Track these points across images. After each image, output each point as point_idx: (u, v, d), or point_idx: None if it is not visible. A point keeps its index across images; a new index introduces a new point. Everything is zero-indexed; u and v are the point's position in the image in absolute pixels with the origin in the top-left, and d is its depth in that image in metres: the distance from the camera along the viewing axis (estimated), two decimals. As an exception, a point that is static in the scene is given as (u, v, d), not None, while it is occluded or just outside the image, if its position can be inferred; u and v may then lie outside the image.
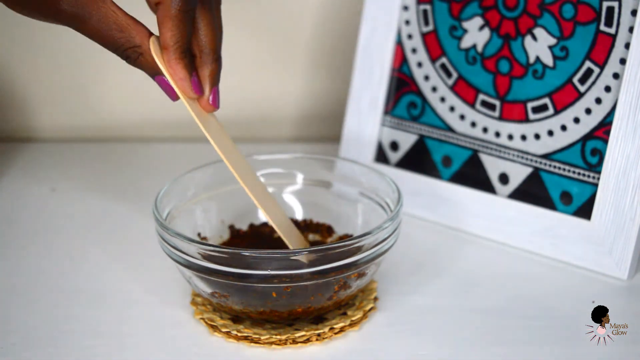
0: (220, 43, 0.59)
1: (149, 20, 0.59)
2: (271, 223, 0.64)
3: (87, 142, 0.98)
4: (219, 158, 0.72)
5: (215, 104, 0.60)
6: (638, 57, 0.67)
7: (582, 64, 0.71)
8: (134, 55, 0.57)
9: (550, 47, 0.73)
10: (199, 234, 0.71)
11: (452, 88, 0.79)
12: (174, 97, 0.59)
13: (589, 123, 0.71)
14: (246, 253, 0.59)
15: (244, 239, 0.72)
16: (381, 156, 0.83)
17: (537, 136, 0.74)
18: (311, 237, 0.73)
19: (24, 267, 0.72)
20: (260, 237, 0.73)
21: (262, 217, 0.73)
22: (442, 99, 0.80)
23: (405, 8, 0.81)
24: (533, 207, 0.74)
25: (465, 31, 0.78)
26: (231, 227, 0.73)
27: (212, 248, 0.60)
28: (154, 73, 0.58)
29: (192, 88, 0.58)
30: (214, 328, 0.63)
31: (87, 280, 0.70)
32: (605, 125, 0.70)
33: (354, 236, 0.62)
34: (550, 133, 0.74)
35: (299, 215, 0.74)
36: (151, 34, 0.57)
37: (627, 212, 0.68)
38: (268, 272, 0.59)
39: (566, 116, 0.73)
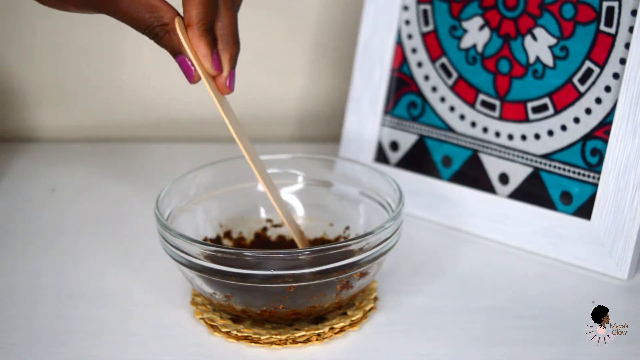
0: (237, 27, 0.62)
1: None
2: (278, 212, 0.65)
3: (87, 142, 0.98)
4: (219, 159, 0.73)
5: (231, 87, 0.62)
6: (638, 57, 0.67)
7: (582, 64, 0.71)
8: (161, 33, 0.59)
9: (550, 47, 0.73)
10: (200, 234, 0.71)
11: (452, 88, 0.79)
12: (192, 77, 0.60)
13: (589, 123, 0.71)
14: (248, 253, 0.59)
15: (246, 240, 0.73)
16: (381, 156, 0.83)
17: (537, 136, 0.74)
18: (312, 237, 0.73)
19: (24, 267, 0.72)
20: (263, 238, 0.73)
21: (263, 216, 0.73)
22: (442, 99, 0.80)
23: (405, 8, 0.81)
24: (533, 207, 0.74)
25: (465, 31, 0.78)
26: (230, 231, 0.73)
27: (214, 248, 0.60)
28: (177, 52, 0.59)
29: (212, 65, 0.60)
30: (214, 328, 0.63)
31: (87, 280, 0.70)
32: (605, 125, 0.70)
33: (357, 236, 0.62)
34: (550, 133, 0.74)
35: (300, 215, 0.74)
36: (178, 13, 0.59)
37: (627, 212, 0.68)
38: (271, 272, 0.59)
39: (566, 116, 0.73)
